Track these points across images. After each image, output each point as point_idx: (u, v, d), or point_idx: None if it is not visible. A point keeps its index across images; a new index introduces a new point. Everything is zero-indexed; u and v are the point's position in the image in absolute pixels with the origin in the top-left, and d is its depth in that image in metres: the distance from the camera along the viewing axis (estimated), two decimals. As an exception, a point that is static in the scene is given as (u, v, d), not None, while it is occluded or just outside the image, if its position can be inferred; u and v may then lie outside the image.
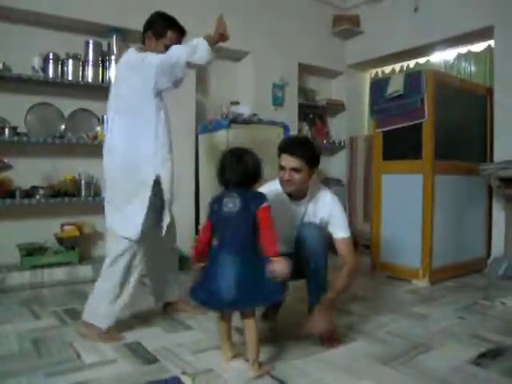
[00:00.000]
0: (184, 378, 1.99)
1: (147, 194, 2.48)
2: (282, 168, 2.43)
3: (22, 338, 2.48)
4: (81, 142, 4.02)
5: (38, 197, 3.81)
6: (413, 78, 3.90)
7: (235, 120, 4.38)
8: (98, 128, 4.18)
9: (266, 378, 2.01)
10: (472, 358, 2.24)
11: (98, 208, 3.54)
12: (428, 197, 3.82)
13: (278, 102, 5.38)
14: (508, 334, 2.57)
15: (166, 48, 2.54)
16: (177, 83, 2.56)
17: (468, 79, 5.06)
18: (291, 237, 2.54)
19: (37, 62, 3.93)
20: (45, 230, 4.00)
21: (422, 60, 5.63)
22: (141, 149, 2.48)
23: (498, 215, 4.36)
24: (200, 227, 2.11)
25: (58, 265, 3.86)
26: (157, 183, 2.51)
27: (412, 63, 5.75)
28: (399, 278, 3.97)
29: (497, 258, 4.18)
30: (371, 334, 2.62)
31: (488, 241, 4.49)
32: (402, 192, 4.04)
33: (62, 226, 4.02)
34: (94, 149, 3.84)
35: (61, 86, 4.09)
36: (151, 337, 2.52)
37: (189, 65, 2.50)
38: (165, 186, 2.55)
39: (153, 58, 2.46)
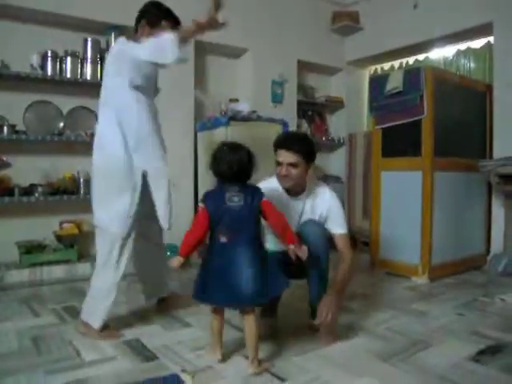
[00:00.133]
0: (183, 376, 1.99)
1: (131, 188, 2.45)
2: (278, 163, 2.44)
3: (21, 335, 2.48)
4: (79, 139, 4.02)
5: (36, 194, 3.81)
6: (412, 74, 3.89)
7: (234, 117, 4.38)
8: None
9: (266, 376, 2.01)
10: (471, 355, 2.24)
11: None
12: (427, 193, 3.82)
13: (277, 99, 5.37)
14: (507, 331, 2.57)
15: None
16: (148, 81, 2.52)
17: (467, 76, 5.05)
18: None
19: (35, 60, 3.92)
20: (44, 227, 4.00)
21: (421, 57, 5.62)
22: (124, 142, 2.44)
23: (498, 212, 4.36)
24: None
25: (57, 262, 3.87)
26: (144, 177, 2.49)
27: (411, 60, 5.73)
28: (398, 275, 3.98)
29: (496, 255, 4.18)
30: (371, 330, 2.62)
31: (487, 237, 4.49)
32: (402, 189, 4.04)
33: (61, 223, 4.02)
34: (93, 146, 3.83)
35: (59, 84, 4.08)
36: (150, 334, 2.52)
37: (156, 64, 2.45)
38: (151, 180, 2.51)
39: (130, 50, 2.42)
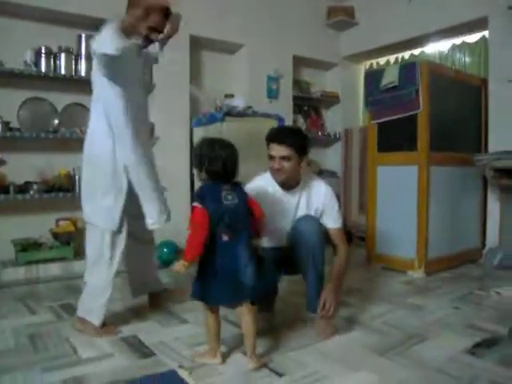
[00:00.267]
0: (181, 372, 1.99)
1: (119, 183, 2.44)
2: (271, 157, 2.45)
3: (17, 333, 2.48)
4: (74, 136, 3.99)
5: (32, 192, 3.79)
6: (407, 69, 3.89)
7: (229, 113, 4.37)
8: (92, 122, 4.15)
9: (264, 371, 2.01)
10: (467, 348, 2.25)
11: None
12: (423, 188, 3.83)
13: (272, 94, 5.36)
14: (503, 324, 2.58)
15: (150, 29, 2.42)
16: (126, 75, 2.43)
17: (463, 70, 5.05)
18: (284, 228, 2.56)
19: (29, 56, 3.90)
20: (40, 225, 3.99)
21: (416, 51, 5.61)
22: (107, 138, 2.43)
23: (493, 205, 4.37)
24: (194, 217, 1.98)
25: (53, 260, 3.86)
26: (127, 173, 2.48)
27: (407, 54, 5.73)
28: (395, 270, 3.99)
29: (492, 249, 4.20)
30: (367, 324, 2.63)
31: (483, 231, 4.50)
32: (398, 183, 4.04)
33: (57, 221, 4.01)
34: (88, 143, 3.82)
35: (53, 81, 4.06)
36: (148, 331, 2.52)
37: (106, 56, 2.25)
38: (133, 176, 2.48)
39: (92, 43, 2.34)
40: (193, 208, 1.98)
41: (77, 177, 3.99)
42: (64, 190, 3.94)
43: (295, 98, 5.64)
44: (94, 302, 2.47)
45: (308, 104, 6.11)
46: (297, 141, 2.43)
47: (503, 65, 4.27)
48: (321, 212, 2.56)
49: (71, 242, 3.95)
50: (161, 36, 2.51)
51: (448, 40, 5.24)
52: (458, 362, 2.09)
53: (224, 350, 2.19)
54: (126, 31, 2.44)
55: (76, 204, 3.98)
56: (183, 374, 1.97)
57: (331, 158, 6.29)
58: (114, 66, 2.29)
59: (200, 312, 2.73)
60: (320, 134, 6.02)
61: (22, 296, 3.24)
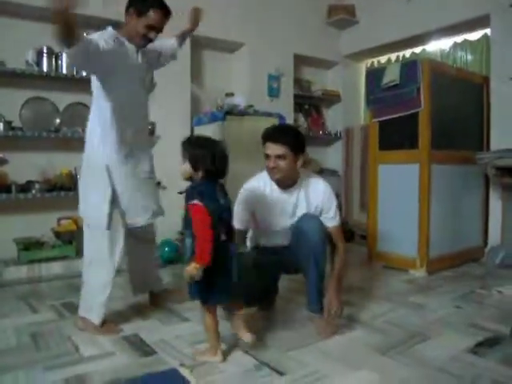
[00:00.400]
0: (182, 370, 1.99)
1: (105, 181, 2.44)
2: (267, 156, 2.45)
3: (19, 332, 2.48)
4: (76, 135, 4.00)
5: (33, 191, 3.80)
6: (409, 67, 3.88)
7: (230, 112, 4.37)
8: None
9: (265, 369, 2.02)
10: (469, 347, 2.25)
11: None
12: (424, 186, 3.82)
13: (273, 93, 5.36)
14: (505, 323, 2.57)
15: (148, 28, 2.41)
16: (115, 75, 2.41)
17: (464, 68, 5.04)
18: (284, 227, 2.56)
19: (31, 56, 3.91)
20: (42, 224, 4.00)
21: (417, 49, 5.60)
22: (96, 136, 2.46)
23: (495, 204, 4.37)
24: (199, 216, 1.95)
25: (56, 259, 3.87)
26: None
27: (408, 53, 5.72)
28: (396, 268, 3.98)
29: (494, 247, 4.19)
30: (368, 323, 2.63)
31: (485, 230, 4.49)
32: (399, 182, 4.04)
33: (59, 220, 4.02)
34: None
35: (55, 80, 4.07)
36: (149, 329, 2.52)
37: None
38: (115, 176, 2.47)
39: None
40: (192, 206, 1.95)
41: (78, 176, 3.99)
42: (66, 189, 3.95)
43: (296, 97, 5.63)
44: (94, 301, 2.48)
45: (309, 103, 6.11)
46: (292, 139, 2.43)
47: (505, 63, 4.26)
48: (320, 209, 2.55)
49: (73, 240, 3.96)
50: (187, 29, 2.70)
51: (449, 38, 5.23)
52: (459, 361, 2.09)
53: (224, 348, 2.19)
54: (128, 31, 2.47)
55: (77, 203, 4.01)
56: (184, 372, 1.98)
57: (332, 156, 6.29)
58: (78, 62, 2.27)
59: (201, 310, 2.75)
60: (321, 132, 6.03)
61: (24, 295, 3.25)
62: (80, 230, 3.93)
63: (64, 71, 4.02)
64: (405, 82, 3.87)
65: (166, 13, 2.45)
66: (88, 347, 2.27)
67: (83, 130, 3.90)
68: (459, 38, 5.18)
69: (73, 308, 2.86)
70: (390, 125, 4.10)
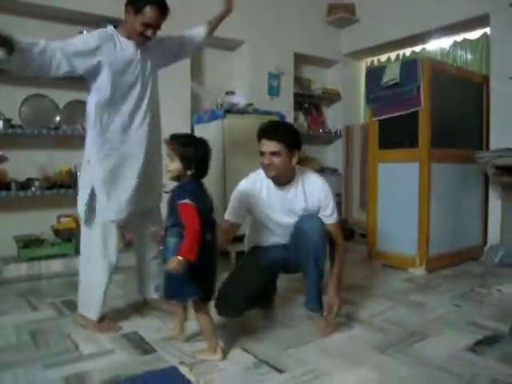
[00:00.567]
0: (182, 368, 1.99)
1: (88, 176, 2.50)
2: (262, 153, 2.43)
3: (19, 329, 2.48)
4: (76, 133, 4.00)
5: (33, 189, 3.80)
6: (409, 66, 3.88)
7: (230, 110, 4.37)
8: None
9: (264, 367, 2.02)
10: (468, 346, 2.25)
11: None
12: (424, 185, 3.82)
13: (273, 91, 5.36)
14: (504, 321, 2.57)
15: (145, 26, 2.39)
16: (91, 71, 2.43)
17: (464, 67, 5.04)
18: (281, 224, 2.56)
19: (30, 53, 3.90)
20: (41, 221, 4.00)
21: (417, 48, 5.60)
22: (86, 132, 2.53)
23: (494, 203, 4.37)
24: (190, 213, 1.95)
25: (55, 256, 3.88)
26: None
27: (408, 51, 5.72)
28: (396, 267, 3.98)
29: (493, 246, 4.20)
30: (368, 322, 2.63)
31: (484, 228, 4.50)
32: (399, 180, 4.04)
33: (59, 217, 4.02)
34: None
35: (55, 78, 4.03)
36: (148, 327, 2.52)
37: None
38: (95, 173, 2.48)
39: None
40: (184, 205, 1.93)
41: (78, 173, 3.99)
42: (65, 186, 3.95)
43: (296, 95, 5.63)
44: (90, 298, 2.50)
45: (309, 101, 6.11)
46: (287, 136, 2.41)
47: (505, 62, 4.26)
48: (318, 207, 2.54)
49: (72, 238, 3.96)
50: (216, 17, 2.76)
51: (449, 37, 5.23)
52: (459, 360, 2.10)
53: (223, 346, 2.19)
54: (127, 29, 2.47)
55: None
56: (184, 370, 1.98)
57: (332, 155, 6.30)
58: (24, 67, 2.28)
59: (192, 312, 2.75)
60: (321, 131, 6.04)
61: (24, 292, 3.25)
62: (79, 228, 3.97)
63: (64, 69, 4.01)
64: (405, 80, 3.87)
65: (162, 10, 2.42)
66: (88, 345, 2.27)
67: (83, 128, 3.95)
68: (459, 37, 5.19)
69: (72, 306, 2.86)
70: (389, 123, 4.10)
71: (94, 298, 2.49)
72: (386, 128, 4.16)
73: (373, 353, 2.19)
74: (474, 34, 5.04)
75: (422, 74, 3.78)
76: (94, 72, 2.42)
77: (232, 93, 4.91)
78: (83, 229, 2.54)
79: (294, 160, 2.46)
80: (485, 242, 4.46)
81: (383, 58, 6.06)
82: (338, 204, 5.73)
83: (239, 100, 4.69)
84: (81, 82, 2.60)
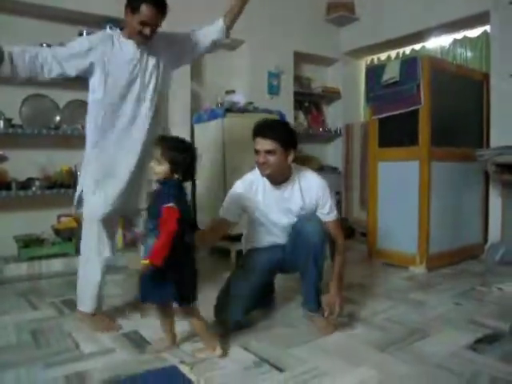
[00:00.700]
0: (182, 367, 1.99)
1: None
2: (256, 152, 2.41)
3: (20, 329, 2.49)
4: (76, 133, 4.01)
5: (34, 188, 3.81)
6: (409, 64, 3.88)
7: (230, 109, 4.37)
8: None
9: (264, 366, 2.02)
10: (469, 344, 2.25)
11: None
12: (424, 183, 3.82)
13: (273, 90, 5.36)
14: (504, 320, 2.57)
15: (142, 24, 2.38)
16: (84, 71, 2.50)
17: (464, 65, 5.04)
18: (278, 223, 2.55)
19: (30, 53, 3.90)
20: (42, 221, 4.00)
21: (417, 46, 5.60)
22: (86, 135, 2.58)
23: (495, 201, 4.37)
24: (172, 214, 1.92)
25: (56, 256, 3.88)
26: None
27: (408, 49, 5.72)
28: (396, 265, 3.98)
29: (494, 244, 4.20)
30: (368, 320, 2.63)
31: (485, 227, 4.50)
32: (399, 179, 4.04)
33: (59, 217, 4.03)
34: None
35: (52, 77, 4.05)
36: (149, 326, 2.51)
37: None
38: (85, 171, 2.58)
39: None
40: (167, 209, 1.90)
41: (78, 173, 3.99)
42: (65, 186, 3.96)
43: (296, 94, 5.63)
44: (85, 292, 2.55)
45: (309, 100, 6.11)
46: (282, 134, 2.40)
47: (505, 59, 4.26)
48: (315, 205, 2.53)
49: (73, 238, 3.96)
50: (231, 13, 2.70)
51: (449, 35, 5.23)
52: (459, 358, 2.09)
53: (224, 343, 2.20)
54: (127, 29, 2.47)
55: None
56: (184, 369, 1.98)
57: (332, 153, 6.30)
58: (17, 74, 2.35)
59: (202, 306, 2.74)
60: (321, 129, 6.04)
61: (25, 292, 3.25)
62: (80, 227, 3.97)
63: (64, 68, 4.01)
64: (405, 78, 3.87)
65: (158, 8, 2.40)
66: (88, 344, 2.27)
67: (83, 127, 3.91)
68: (459, 35, 5.18)
69: (73, 305, 2.86)
70: (389, 122, 4.10)
71: (87, 292, 2.53)
72: (386, 126, 4.16)
73: (373, 351, 2.19)
74: (474, 32, 5.03)
75: (421, 72, 3.78)
76: (88, 73, 2.48)
77: (232, 92, 4.91)
78: (82, 225, 2.59)
79: (290, 158, 2.44)
80: (485, 240, 4.45)
81: (383, 56, 6.05)
82: (338, 203, 5.74)
83: (239, 99, 4.69)
84: (81, 81, 2.62)
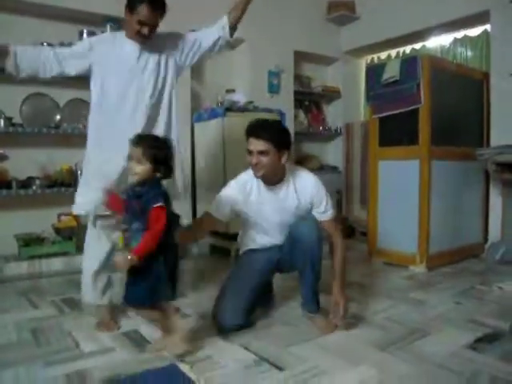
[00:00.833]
0: (182, 366, 1.99)
1: None
2: (249, 152, 2.38)
3: (20, 327, 2.49)
4: (76, 132, 4.01)
5: (34, 187, 3.81)
6: (409, 63, 3.88)
7: (230, 108, 4.37)
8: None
9: (264, 365, 2.02)
10: (469, 343, 2.25)
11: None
12: (425, 182, 3.82)
13: (273, 89, 5.36)
14: (505, 319, 2.57)
15: (140, 24, 2.38)
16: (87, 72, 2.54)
17: (464, 64, 5.03)
18: (273, 224, 2.53)
19: (30, 52, 3.90)
20: (42, 220, 4.00)
21: (417, 45, 5.60)
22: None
23: (495, 200, 4.37)
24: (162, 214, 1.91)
25: (56, 255, 3.88)
26: None
27: (408, 49, 5.71)
28: (396, 265, 3.99)
29: (494, 243, 4.20)
30: (368, 320, 2.63)
31: (485, 226, 4.50)
32: (399, 178, 4.04)
33: (59, 216, 4.03)
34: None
35: (55, 76, 4.05)
36: (149, 325, 2.51)
37: None
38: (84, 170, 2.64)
39: None
40: (157, 209, 1.88)
41: (78, 172, 3.99)
42: (66, 185, 3.96)
43: (296, 93, 5.63)
44: (84, 285, 2.58)
45: (309, 99, 6.11)
46: (275, 135, 2.35)
47: (505, 58, 4.26)
48: (310, 204, 2.51)
49: (73, 236, 3.97)
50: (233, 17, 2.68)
51: (449, 34, 5.22)
52: (459, 357, 2.09)
53: (224, 342, 2.21)
54: (129, 31, 2.48)
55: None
56: (184, 367, 1.98)
57: (332, 152, 6.29)
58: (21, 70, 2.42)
59: (200, 306, 2.75)
60: (321, 128, 6.03)
61: (25, 290, 3.26)
62: (80, 226, 3.98)
63: (64, 67, 4.01)
64: (405, 78, 3.87)
65: (155, 8, 2.39)
66: (88, 343, 2.27)
67: (83, 126, 3.96)
68: (459, 34, 5.18)
69: (73, 304, 2.87)
70: (390, 121, 4.10)
71: (84, 280, 2.58)
72: (386, 125, 4.16)
73: (373, 350, 2.19)
74: (474, 31, 5.03)
75: (421, 72, 3.78)
76: (87, 73, 2.52)
77: (232, 91, 4.90)
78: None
79: (284, 159, 2.40)
80: (485, 239, 4.45)
81: (383, 55, 6.05)
82: (339, 202, 5.74)
83: (239, 98, 4.69)
84: (81, 80, 2.64)
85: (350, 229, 5.43)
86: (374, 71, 4.21)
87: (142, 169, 1.93)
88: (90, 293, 2.56)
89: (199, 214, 4.44)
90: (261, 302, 2.73)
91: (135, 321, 2.59)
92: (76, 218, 3.98)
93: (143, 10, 2.36)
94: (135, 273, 1.95)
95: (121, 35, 2.55)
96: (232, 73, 5.31)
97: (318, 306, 2.52)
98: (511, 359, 2.06)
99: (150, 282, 1.95)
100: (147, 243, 1.87)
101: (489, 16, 4.43)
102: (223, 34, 2.72)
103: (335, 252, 2.51)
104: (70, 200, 4.00)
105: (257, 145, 2.34)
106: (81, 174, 2.76)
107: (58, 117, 4.12)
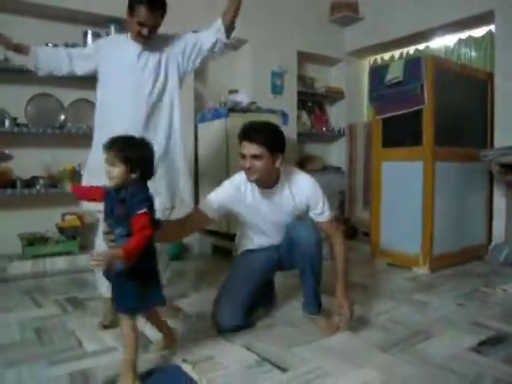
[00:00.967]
0: (185, 366, 2.00)
1: None
2: (242, 156, 2.33)
3: (23, 326, 2.50)
4: (80, 132, 4.02)
5: (38, 187, 3.83)
6: (412, 64, 3.87)
7: (234, 108, 4.38)
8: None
9: (266, 365, 2.02)
10: (472, 346, 2.24)
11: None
12: (428, 183, 3.82)
13: (276, 90, 5.36)
14: (508, 321, 2.57)
15: (139, 25, 2.40)
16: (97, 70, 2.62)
17: (468, 64, 5.02)
18: (270, 224, 2.52)
19: (35, 53, 3.92)
20: (46, 219, 4.01)
21: (421, 46, 5.58)
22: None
23: (499, 201, 4.35)
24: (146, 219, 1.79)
25: (60, 254, 3.89)
26: None
27: (412, 49, 5.70)
28: (399, 266, 3.98)
29: (498, 245, 4.18)
30: (371, 321, 2.63)
31: (489, 227, 4.48)
32: (402, 179, 4.03)
33: (63, 215, 4.04)
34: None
35: (60, 77, 4.04)
36: (151, 325, 2.52)
37: None
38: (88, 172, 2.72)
39: None
40: (141, 216, 1.78)
41: (82, 172, 4.00)
42: (69, 185, 3.97)
43: (299, 94, 5.63)
44: (100, 277, 2.55)
45: (312, 100, 6.11)
46: (269, 139, 2.30)
47: (509, 59, 4.25)
48: (307, 206, 2.48)
49: (77, 236, 3.98)
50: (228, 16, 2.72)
51: (454, 34, 5.21)
52: (462, 360, 2.09)
53: (226, 343, 2.22)
54: (131, 32, 2.50)
55: (81, 199, 4.03)
56: (187, 368, 1.98)
57: (335, 153, 6.28)
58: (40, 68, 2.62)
59: (202, 306, 2.75)
60: (324, 129, 6.03)
61: (29, 289, 3.27)
62: (84, 225, 3.99)
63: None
64: (408, 78, 3.86)
65: (154, 9, 2.39)
66: (91, 342, 2.28)
67: (88, 127, 3.97)
68: (463, 35, 5.16)
69: (76, 303, 2.88)
70: (393, 122, 4.09)
71: (101, 277, 2.55)
72: (389, 126, 4.15)
73: (376, 352, 2.19)
74: (478, 32, 5.01)
75: (425, 72, 3.77)
76: (93, 74, 2.62)
77: (235, 91, 4.91)
78: None
79: (278, 163, 2.35)
80: (489, 240, 4.44)
81: (387, 56, 6.04)
82: (341, 202, 5.73)
83: (242, 98, 4.69)
84: (85, 81, 2.66)
85: (352, 229, 5.43)
86: (378, 72, 4.21)
87: (117, 171, 1.83)
88: (104, 284, 2.53)
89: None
90: (262, 301, 2.73)
91: (138, 320, 2.60)
92: (80, 217, 4.00)
93: (142, 11, 2.38)
94: (122, 279, 1.84)
95: (124, 36, 2.60)
96: (235, 73, 5.32)
97: (320, 308, 2.51)
98: (514, 362, 2.06)
99: (138, 289, 1.86)
100: (138, 243, 1.75)
101: (493, 16, 4.41)
102: (219, 37, 2.72)
103: (336, 253, 2.48)
104: (74, 200, 4.04)
105: (250, 149, 2.28)
106: (83, 173, 2.83)
107: (63, 117, 4.13)
